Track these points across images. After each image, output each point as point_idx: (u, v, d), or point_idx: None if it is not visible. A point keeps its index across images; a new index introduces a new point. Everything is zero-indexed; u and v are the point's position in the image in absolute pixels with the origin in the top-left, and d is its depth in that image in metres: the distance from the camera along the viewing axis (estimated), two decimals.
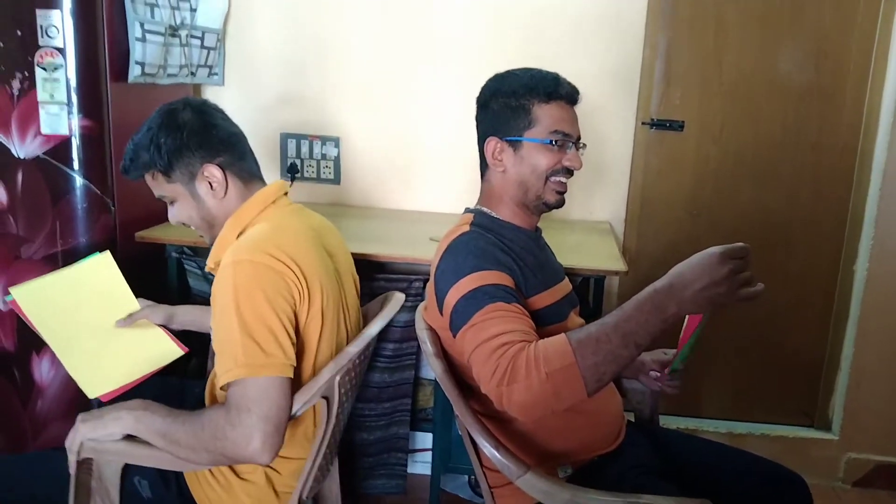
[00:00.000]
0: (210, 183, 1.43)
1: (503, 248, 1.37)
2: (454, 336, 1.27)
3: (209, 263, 1.47)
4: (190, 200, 1.45)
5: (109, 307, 1.58)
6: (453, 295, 1.28)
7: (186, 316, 1.70)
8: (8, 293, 1.46)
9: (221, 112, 1.50)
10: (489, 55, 2.53)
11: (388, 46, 2.60)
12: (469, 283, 1.26)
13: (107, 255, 1.55)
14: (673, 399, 2.70)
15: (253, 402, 1.24)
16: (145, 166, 1.43)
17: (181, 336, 1.68)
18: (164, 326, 1.65)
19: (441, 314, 1.33)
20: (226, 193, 1.45)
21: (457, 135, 2.57)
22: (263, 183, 1.53)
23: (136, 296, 1.61)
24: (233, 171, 1.46)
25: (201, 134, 1.42)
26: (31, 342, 2.07)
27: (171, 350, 1.63)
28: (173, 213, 1.49)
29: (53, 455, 1.43)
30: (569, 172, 1.45)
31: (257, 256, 1.31)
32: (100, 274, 1.55)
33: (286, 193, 1.54)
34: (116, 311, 1.58)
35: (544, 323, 1.35)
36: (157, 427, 1.31)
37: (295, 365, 1.31)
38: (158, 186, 1.46)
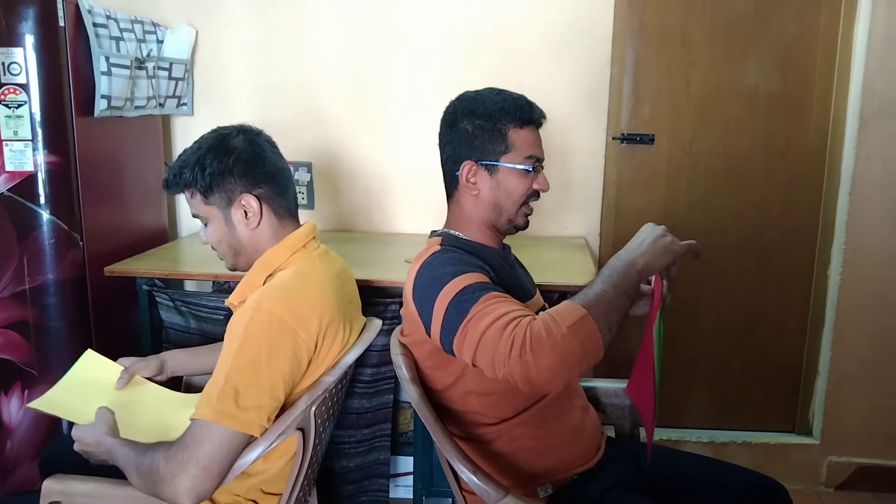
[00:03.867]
0: (245, 212, 1.44)
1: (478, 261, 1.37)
2: (451, 341, 1.22)
3: (231, 299, 1.47)
4: (222, 225, 1.46)
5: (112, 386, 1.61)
6: (441, 302, 1.24)
7: (175, 361, 1.70)
8: (29, 408, 1.55)
9: (274, 146, 1.51)
10: (460, 76, 2.53)
11: (357, 71, 2.60)
12: (456, 286, 1.24)
13: (88, 352, 1.64)
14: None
15: (196, 444, 1.23)
16: (186, 184, 1.44)
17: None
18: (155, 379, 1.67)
19: (429, 332, 1.30)
20: (258, 225, 1.45)
21: (430, 156, 2.56)
22: (297, 222, 1.53)
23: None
24: (270, 204, 1.46)
25: (248, 163, 1.43)
26: None
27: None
28: (204, 234, 1.50)
29: (22, 500, 1.40)
30: (538, 195, 1.46)
31: (278, 309, 1.31)
32: (92, 366, 1.62)
33: (314, 237, 1.54)
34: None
35: None
36: (118, 450, 1.32)
37: (268, 426, 1.30)
38: (195, 205, 1.47)
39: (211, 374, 1.31)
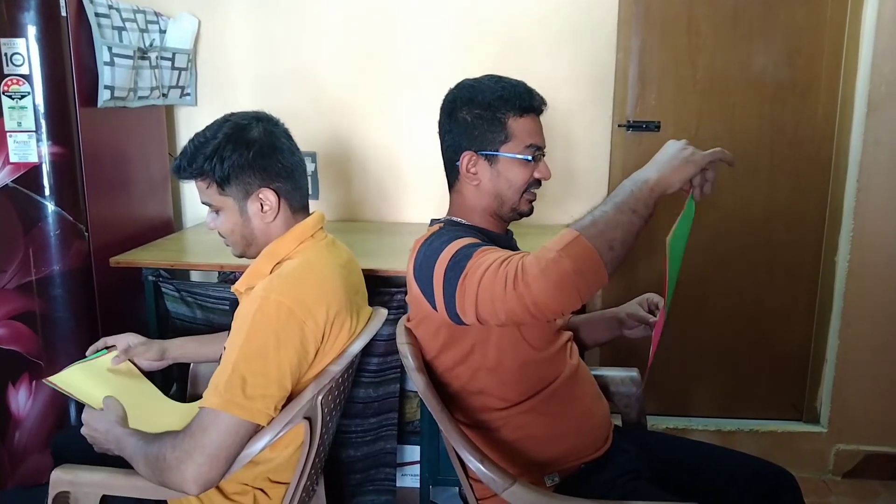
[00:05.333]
0: (262, 205, 1.42)
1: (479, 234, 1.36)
2: (454, 303, 1.21)
3: (237, 286, 1.46)
4: (236, 216, 1.43)
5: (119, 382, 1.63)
6: (439, 271, 1.24)
7: (179, 350, 1.71)
8: (44, 382, 1.57)
9: (289, 136, 1.48)
10: (463, 62, 2.51)
11: (361, 59, 2.59)
12: (449, 251, 1.24)
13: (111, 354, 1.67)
14: (662, 399, 2.71)
15: (202, 432, 1.24)
16: (201, 173, 1.40)
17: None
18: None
19: (434, 306, 1.28)
20: (274, 218, 1.44)
21: (435, 144, 2.56)
22: (308, 213, 1.51)
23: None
24: (287, 198, 1.45)
25: (267, 156, 1.41)
26: (5, 372, 2.04)
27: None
28: (214, 222, 1.46)
29: (32, 492, 1.41)
30: (539, 183, 1.45)
31: (286, 298, 1.30)
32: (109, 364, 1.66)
33: (322, 227, 1.53)
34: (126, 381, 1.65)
35: None
36: (126, 440, 1.33)
37: (274, 416, 1.30)
38: (208, 195, 1.43)
39: (216, 361, 1.31)
